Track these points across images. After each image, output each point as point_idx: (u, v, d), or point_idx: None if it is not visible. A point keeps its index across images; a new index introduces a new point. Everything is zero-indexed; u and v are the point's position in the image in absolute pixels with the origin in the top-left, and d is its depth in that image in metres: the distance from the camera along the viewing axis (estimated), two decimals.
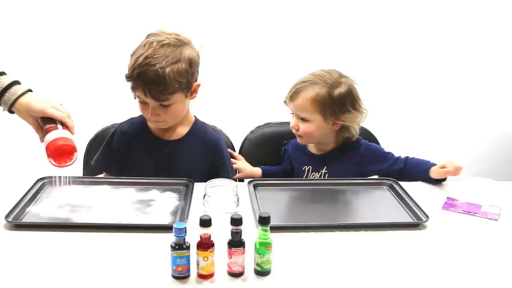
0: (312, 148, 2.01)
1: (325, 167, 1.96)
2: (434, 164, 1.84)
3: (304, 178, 1.97)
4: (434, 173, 1.81)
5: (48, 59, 2.94)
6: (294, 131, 1.94)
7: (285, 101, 1.95)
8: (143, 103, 1.76)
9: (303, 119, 1.89)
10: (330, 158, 1.97)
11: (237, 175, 1.98)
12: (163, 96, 1.71)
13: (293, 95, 1.89)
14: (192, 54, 1.76)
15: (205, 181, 1.62)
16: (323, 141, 1.97)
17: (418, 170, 1.85)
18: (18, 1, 2.88)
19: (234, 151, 2.09)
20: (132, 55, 1.75)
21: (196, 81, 1.80)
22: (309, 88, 1.87)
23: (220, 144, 1.91)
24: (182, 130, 1.88)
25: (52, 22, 2.90)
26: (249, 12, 2.97)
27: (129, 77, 1.73)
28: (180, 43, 1.75)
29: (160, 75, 1.67)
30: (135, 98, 1.78)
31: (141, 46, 1.73)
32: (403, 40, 3.07)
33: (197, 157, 1.87)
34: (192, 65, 1.75)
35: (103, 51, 2.88)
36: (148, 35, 1.78)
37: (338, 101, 1.87)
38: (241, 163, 2.03)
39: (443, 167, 1.79)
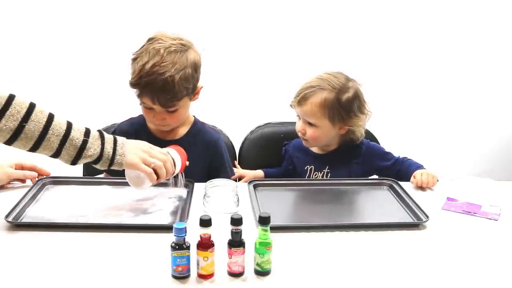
0: (314, 148, 2.01)
1: (327, 167, 1.96)
2: (419, 166, 1.87)
3: (306, 178, 1.97)
4: (412, 180, 1.82)
5: (49, 60, 2.94)
6: (300, 134, 1.94)
7: (291, 105, 1.94)
8: (148, 109, 1.76)
9: (310, 124, 1.89)
10: (333, 157, 1.97)
11: (241, 180, 1.97)
12: (171, 103, 1.71)
13: (301, 100, 1.88)
14: (196, 58, 1.75)
15: (205, 181, 1.62)
16: (328, 143, 1.97)
17: (408, 173, 1.86)
18: (19, 3, 2.89)
19: (234, 151, 2.09)
20: (134, 60, 1.72)
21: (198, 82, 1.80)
22: (317, 93, 1.86)
23: (219, 145, 1.91)
24: (182, 130, 1.88)
25: (53, 23, 2.90)
26: (249, 12, 2.97)
27: (136, 85, 1.71)
28: (185, 47, 1.73)
29: (170, 83, 1.66)
30: (140, 104, 1.77)
31: (146, 52, 1.70)
32: (404, 40, 3.07)
33: (196, 157, 1.86)
34: (197, 69, 1.75)
35: (104, 52, 2.89)
36: (150, 39, 1.75)
37: (346, 106, 1.87)
38: (241, 170, 2.03)
39: (414, 177, 1.81)
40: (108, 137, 1.45)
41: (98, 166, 1.45)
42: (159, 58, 1.67)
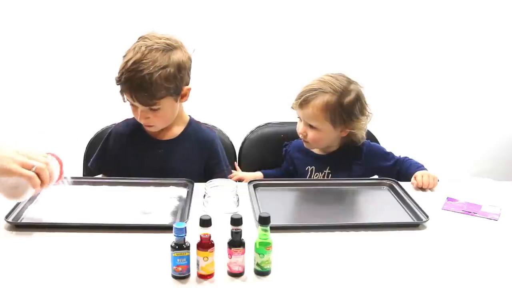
0: (315, 149, 2.00)
1: (328, 167, 1.96)
2: (420, 167, 1.88)
3: (307, 178, 1.97)
4: (412, 181, 1.82)
5: (47, 60, 2.94)
6: (301, 136, 1.94)
7: (292, 107, 1.93)
8: (133, 106, 1.76)
9: (312, 126, 1.89)
10: (334, 158, 1.97)
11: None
12: (150, 101, 1.70)
13: (303, 103, 1.87)
14: (182, 59, 1.74)
15: (201, 180, 1.62)
16: (329, 145, 1.97)
17: (409, 173, 1.86)
18: (19, 3, 2.89)
19: (234, 151, 2.09)
20: (124, 57, 1.73)
21: (187, 84, 1.79)
22: (319, 96, 1.85)
23: (215, 144, 1.91)
24: (177, 130, 1.87)
25: (50, 24, 2.90)
26: (250, 12, 2.97)
27: (118, 81, 1.72)
28: (170, 47, 1.72)
29: (147, 81, 1.66)
30: (124, 101, 1.77)
31: (131, 50, 1.72)
32: (405, 42, 3.07)
33: (192, 157, 1.86)
34: (181, 70, 1.73)
35: (102, 51, 2.88)
36: (139, 38, 1.76)
37: (348, 109, 1.86)
38: (240, 173, 2.02)
39: (415, 178, 1.81)
40: None
41: None
42: (140, 55, 1.68)
